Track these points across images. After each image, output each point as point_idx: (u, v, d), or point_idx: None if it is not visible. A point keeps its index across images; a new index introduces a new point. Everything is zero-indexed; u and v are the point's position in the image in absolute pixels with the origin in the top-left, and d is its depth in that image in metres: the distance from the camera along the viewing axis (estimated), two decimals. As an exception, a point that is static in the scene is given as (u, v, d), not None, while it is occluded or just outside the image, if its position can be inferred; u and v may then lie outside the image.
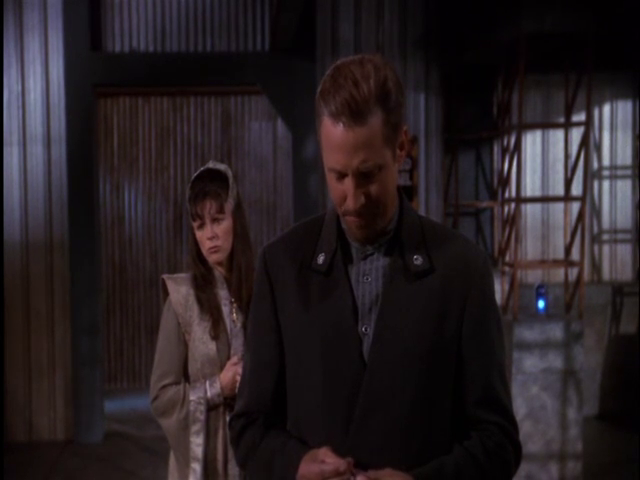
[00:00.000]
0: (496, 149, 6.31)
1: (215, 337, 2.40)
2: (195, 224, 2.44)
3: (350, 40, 6.26)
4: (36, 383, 6.19)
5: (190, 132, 7.86)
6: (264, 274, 1.57)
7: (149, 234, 7.89)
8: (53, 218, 6.15)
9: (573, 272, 5.26)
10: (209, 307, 2.42)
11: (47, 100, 6.11)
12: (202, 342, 2.41)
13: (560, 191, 5.95)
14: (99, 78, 6.17)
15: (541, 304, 5.12)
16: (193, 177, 2.47)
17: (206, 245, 2.43)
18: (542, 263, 5.77)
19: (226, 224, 2.42)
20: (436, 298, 1.46)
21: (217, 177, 2.44)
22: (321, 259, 1.50)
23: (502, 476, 1.50)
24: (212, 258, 2.45)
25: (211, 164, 2.50)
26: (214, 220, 2.41)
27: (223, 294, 2.46)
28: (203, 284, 2.45)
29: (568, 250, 5.19)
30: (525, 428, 4.96)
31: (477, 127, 6.16)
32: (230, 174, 2.47)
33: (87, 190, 6.17)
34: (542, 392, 4.95)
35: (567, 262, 5.20)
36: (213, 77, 6.29)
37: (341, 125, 1.34)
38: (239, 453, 1.61)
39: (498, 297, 6.00)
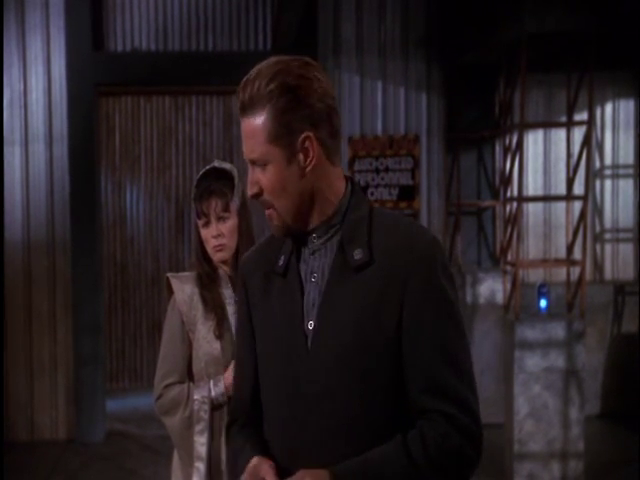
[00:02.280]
0: (498, 148, 6.31)
1: (219, 336, 2.41)
2: (200, 222, 2.45)
3: (352, 40, 6.26)
4: (38, 382, 6.18)
5: (192, 131, 7.83)
6: (241, 283, 1.67)
7: (151, 233, 7.86)
8: (55, 217, 6.13)
9: (575, 271, 5.25)
10: (213, 306, 2.43)
11: (49, 99, 6.10)
12: (206, 341, 2.41)
13: (562, 190, 5.96)
14: (101, 77, 6.15)
15: (543, 303, 5.11)
16: (198, 176, 2.48)
17: (211, 243, 2.43)
18: (544, 262, 5.77)
19: (231, 223, 2.43)
20: (374, 290, 1.46)
21: (223, 176, 2.45)
22: (281, 261, 1.58)
23: (449, 465, 1.44)
24: (217, 256, 2.45)
25: (216, 163, 2.51)
26: (219, 218, 2.42)
27: (227, 293, 2.46)
28: (208, 283, 2.46)
29: (570, 249, 5.19)
30: (527, 427, 4.96)
31: (479, 126, 6.17)
32: (235, 173, 2.48)
33: (89, 189, 6.15)
34: (544, 391, 4.95)
35: (569, 261, 5.20)
36: (215, 77, 6.25)
37: (240, 114, 1.52)
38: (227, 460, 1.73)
39: (500, 296, 6.00)
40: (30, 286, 6.14)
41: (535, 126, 6.11)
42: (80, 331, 6.14)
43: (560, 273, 6.08)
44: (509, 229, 5.33)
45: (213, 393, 2.38)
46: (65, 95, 6.07)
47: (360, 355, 1.45)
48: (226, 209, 2.41)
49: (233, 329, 2.42)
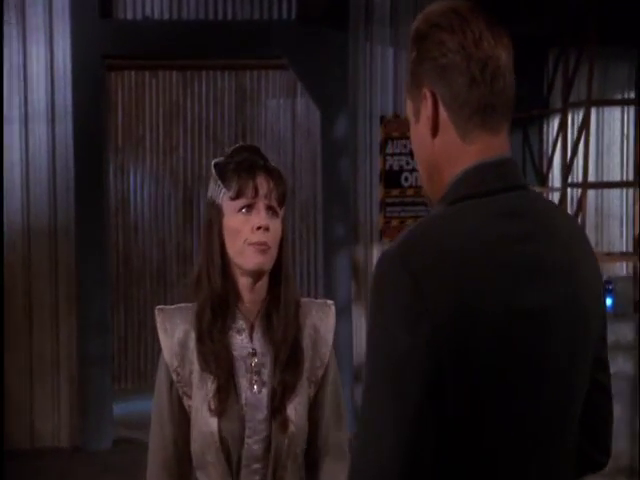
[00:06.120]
0: (546, 129, 5.84)
1: (217, 412, 1.66)
2: (236, 203, 1.65)
3: (385, 8, 5.85)
4: (38, 385, 5.79)
5: (201, 109, 7.47)
6: None
7: (156, 221, 7.50)
8: (58, 202, 5.72)
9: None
10: (216, 364, 1.66)
11: (51, 73, 5.65)
12: (201, 416, 1.67)
13: (616, 176, 5.51)
14: (109, 49, 5.71)
15: (608, 301, 4.65)
16: (231, 149, 1.77)
17: (252, 237, 1.64)
18: (608, 256, 5.32)
19: (279, 226, 1.69)
20: None
21: (270, 164, 1.73)
22: None
23: None
24: (256, 260, 1.64)
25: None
26: (270, 209, 1.65)
27: (239, 342, 1.68)
28: (211, 324, 1.67)
29: (639, 242, 4.74)
30: (594, 440, 4.52)
31: (526, 105, 5.70)
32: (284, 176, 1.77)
33: (95, 171, 5.74)
34: (613, 400, 4.50)
35: (639, 255, 4.75)
36: (234, 49, 5.85)
37: None
38: None
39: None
40: (30, 278, 5.73)
41: (601, 103, 5.61)
42: (86, 329, 5.75)
43: (618, 268, 5.64)
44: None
45: None
46: (69, 68, 5.63)
47: None
48: (281, 202, 1.68)
49: (243, 399, 1.67)
